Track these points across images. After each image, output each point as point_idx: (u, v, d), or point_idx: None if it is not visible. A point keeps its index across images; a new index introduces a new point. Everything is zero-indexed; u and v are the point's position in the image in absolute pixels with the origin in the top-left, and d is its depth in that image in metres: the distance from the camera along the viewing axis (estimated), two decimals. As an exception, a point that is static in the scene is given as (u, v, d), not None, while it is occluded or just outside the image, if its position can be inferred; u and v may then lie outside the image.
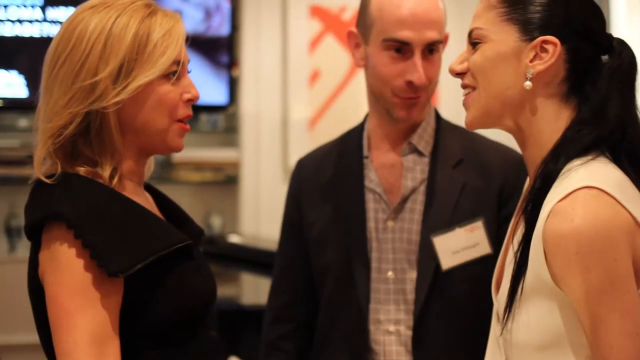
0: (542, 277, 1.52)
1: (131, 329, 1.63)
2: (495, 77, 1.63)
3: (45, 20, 4.71)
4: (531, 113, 1.62)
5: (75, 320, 1.56)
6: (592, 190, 1.50)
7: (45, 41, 4.63)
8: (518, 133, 1.65)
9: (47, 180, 1.64)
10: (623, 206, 1.50)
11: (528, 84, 1.60)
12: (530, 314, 1.55)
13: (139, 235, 1.63)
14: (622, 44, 1.63)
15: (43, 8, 4.70)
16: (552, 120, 1.61)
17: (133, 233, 1.62)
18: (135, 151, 1.71)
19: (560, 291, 1.51)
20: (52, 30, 4.70)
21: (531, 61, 1.60)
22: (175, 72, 1.69)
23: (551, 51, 1.59)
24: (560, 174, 1.55)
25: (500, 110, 1.64)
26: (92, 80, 1.63)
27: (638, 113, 1.61)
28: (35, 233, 1.64)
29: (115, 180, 1.67)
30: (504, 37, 1.62)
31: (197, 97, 1.73)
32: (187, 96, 1.72)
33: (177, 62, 1.69)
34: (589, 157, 1.56)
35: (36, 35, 4.69)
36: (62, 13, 4.70)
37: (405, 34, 2.12)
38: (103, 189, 1.65)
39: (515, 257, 1.58)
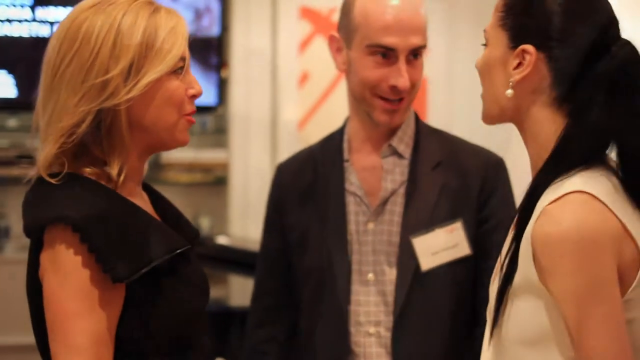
0: (530, 277, 1.53)
1: (135, 335, 1.63)
2: (489, 81, 1.64)
3: (34, 20, 4.70)
4: (523, 117, 1.62)
5: (76, 324, 1.55)
6: (583, 195, 1.50)
7: (34, 41, 4.63)
8: (520, 131, 1.66)
9: (52, 180, 1.63)
10: (613, 213, 1.50)
11: (509, 92, 1.61)
12: (519, 312, 1.57)
13: (141, 239, 1.62)
14: (622, 47, 1.57)
15: (32, 8, 4.69)
16: (547, 125, 1.60)
17: (136, 237, 1.62)
18: (141, 149, 1.71)
19: (547, 291, 1.52)
20: (42, 30, 4.69)
21: (514, 69, 1.60)
22: (182, 68, 1.70)
23: (527, 60, 1.59)
24: (556, 180, 1.55)
25: (497, 111, 1.65)
26: (104, 78, 1.62)
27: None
28: (36, 232, 1.63)
29: (121, 179, 1.66)
30: (497, 42, 1.63)
31: (200, 93, 1.74)
32: (191, 92, 1.73)
33: (183, 58, 1.70)
34: (583, 167, 1.55)
35: (25, 35, 4.68)
36: (52, 13, 4.70)
37: (390, 40, 2.14)
38: (107, 191, 1.64)
39: (506, 256, 1.59)
